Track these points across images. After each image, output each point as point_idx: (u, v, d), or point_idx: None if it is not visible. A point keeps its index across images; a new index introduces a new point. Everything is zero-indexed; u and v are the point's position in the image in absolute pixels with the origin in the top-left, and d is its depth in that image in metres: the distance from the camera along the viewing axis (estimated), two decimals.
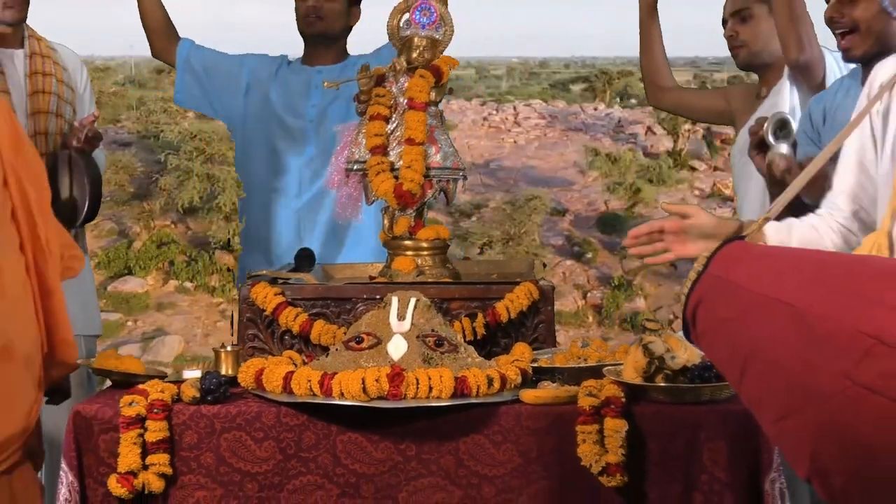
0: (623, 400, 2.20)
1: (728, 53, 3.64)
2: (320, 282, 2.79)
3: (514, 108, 17.71)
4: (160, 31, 3.78)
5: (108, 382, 2.56)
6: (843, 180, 2.38)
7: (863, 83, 2.50)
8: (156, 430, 2.24)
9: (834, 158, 2.34)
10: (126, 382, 2.42)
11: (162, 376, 2.44)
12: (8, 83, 3.17)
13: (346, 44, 3.81)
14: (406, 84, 2.81)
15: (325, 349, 2.54)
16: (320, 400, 2.23)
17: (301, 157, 3.69)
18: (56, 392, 2.48)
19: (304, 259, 2.97)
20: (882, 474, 1.37)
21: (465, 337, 2.54)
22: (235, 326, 2.62)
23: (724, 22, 3.52)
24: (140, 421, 2.24)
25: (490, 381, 2.27)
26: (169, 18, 3.79)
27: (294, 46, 3.90)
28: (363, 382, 2.19)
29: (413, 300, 2.41)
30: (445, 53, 2.88)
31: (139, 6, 3.76)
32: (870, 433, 1.34)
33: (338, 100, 3.66)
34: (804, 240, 2.36)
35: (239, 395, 2.36)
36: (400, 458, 2.27)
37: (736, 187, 3.73)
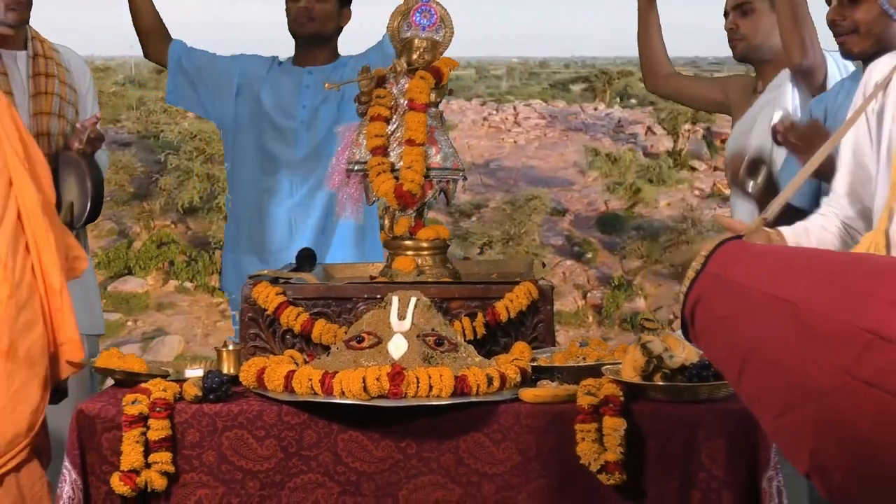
0: (622, 399, 2.22)
1: (728, 53, 3.65)
2: (321, 282, 2.81)
3: (514, 108, 17.70)
4: (153, 33, 3.80)
5: (110, 381, 2.58)
6: (844, 181, 2.39)
7: None
8: (158, 428, 2.26)
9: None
10: (128, 381, 2.43)
11: (164, 375, 2.45)
12: (11, 84, 3.19)
13: (336, 44, 3.83)
14: (406, 85, 2.82)
15: (326, 348, 2.55)
16: (321, 399, 2.24)
17: (292, 157, 3.71)
18: (54, 391, 2.49)
19: (306, 259, 2.99)
20: (882, 469, 1.37)
21: (464, 336, 2.56)
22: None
23: (726, 14, 3.53)
24: (142, 419, 2.26)
25: (490, 380, 2.28)
26: (161, 20, 3.81)
27: (293, 47, 3.92)
28: (364, 381, 2.21)
29: (413, 300, 2.42)
30: (445, 55, 2.90)
31: (131, 9, 3.78)
32: (869, 428, 1.35)
33: (329, 101, 3.68)
34: (819, 241, 2.37)
35: (240, 394, 2.37)
36: (400, 456, 2.28)
37: (729, 183, 3.74)
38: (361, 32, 4.24)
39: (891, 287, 1.40)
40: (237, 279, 3.73)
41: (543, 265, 3.07)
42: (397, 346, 2.33)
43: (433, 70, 2.83)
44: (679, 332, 1.96)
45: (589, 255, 10.04)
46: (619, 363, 2.36)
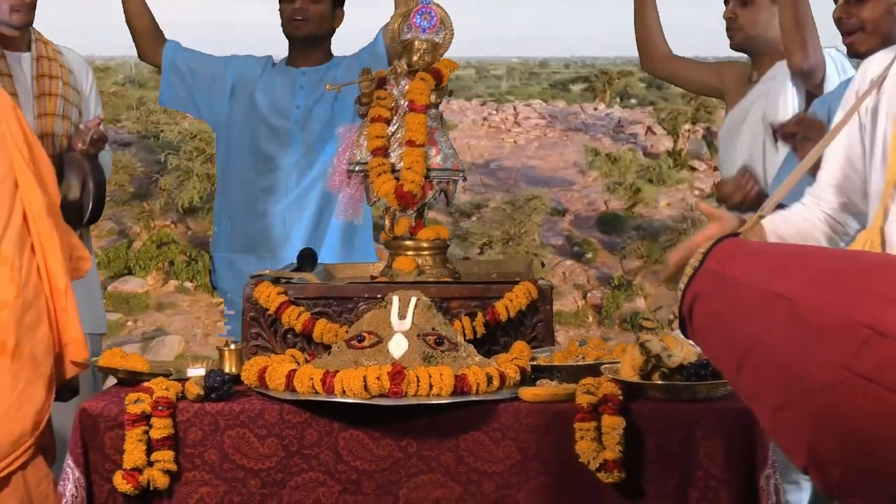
0: (620, 397, 2.23)
1: (728, 53, 3.66)
2: (322, 281, 2.82)
3: (514, 108, 17.70)
4: (147, 34, 3.82)
5: (112, 380, 2.59)
6: (830, 173, 2.39)
7: None
8: (160, 427, 2.27)
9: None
10: (131, 380, 2.44)
11: (167, 374, 2.46)
12: (16, 86, 3.20)
13: (330, 45, 3.85)
14: (407, 87, 2.84)
15: (327, 348, 2.56)
16: (322, 398, 2.25)
17: (286, 157, 3.73)
18: (65, 389, 2.51)
19: (307, 259, 3.00)
20: (880, 464, 1.38)
21: (464, 336, 2.57)
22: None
23: (726, 1, 3.53)
24: (145, 418, 2.27)
25: (489, 379, 2.29)
26: (155, 22, 3.82)
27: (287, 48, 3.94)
28: (364, 380, 2.22)
29: (414, 299, 2.43)
30: (445, 56, 2.91)
31: (125, 11, 3.80)
32: (867, 423, 1.36)
33: (323, 101, 3.70)
34: (799, 231, 2.37)
35: (242, 393, 2.38)
36: (401, 454, 2.29)
37: (721, 168, 3.75)
38: (356, 33, 4.26)
39: (888, 283, 1.41)
40: (231, 278, 3.75)
41: (543, 265, 3.08)
42: (398, 346, 2.35)
43: (433, 72, 2.84)
44: (678, 330, 1.97)
45: (589, 255, 10.03)
46: (618, 362, 2.37)
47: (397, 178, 2.80)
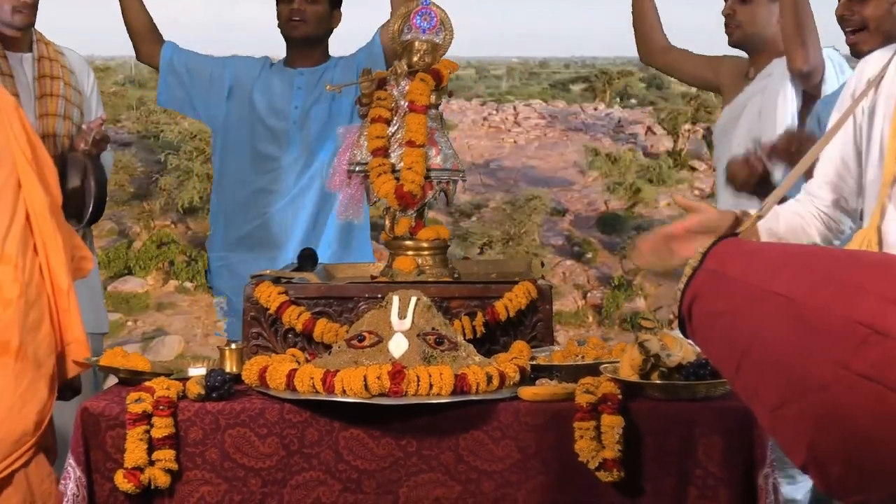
0: (619, 397, 2.24)
1: (728, 52, 3.67)
2: (323, 281, 2.83)
3: (514, 108, 17.70)
4: (144, 35, 3.83)
5: (113, 379, 2.60)
6: (825, 172, 2.40)
7: None
8: (162, 426, 2.28)
9: None
10: (132, 380, 2.45)
11: (168, 373, 2.47)
12: (17, 86, 3.21)
13: (327, 46, 3.86)
14: (407, 87, 2.85)
15: (328, 347, 2.57)
16: (323, 397, 2.26)
17: (284, 157, 3.74)
18: (67, 388, 2.52)
19: (307, 259, 3.01)
20: (879, 462, 1.39)
21: (464, 335, 2.58)
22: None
23: None
24: (146, 417, 2.28)
25: (489, 379, 2.30)
26: (153, 23, 3.84)
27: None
28: (365, 380, 2.23)
29: (414, 299, 2.44)
30: (445, 56, 2.92)
31: (123, 12, 3.81)
32: (867, 422, 1.37)
33: (320, 101, 3.72)
34: (790, 225, 2.38)
35: (243, 393, 2.39)
36: (401, 453, 2.30)
37: (716, 163, 3.76)
38: (353, 33, 4.27)
39: (886, 282, 1.42)
40: (228, 278, 3.77)
41: (542, 265, 3.09)
42: (398, 345, 2.35)
43: (433, 72, 2.85)
44: (677, 330, 1.98)
45: (589, 255, 10.03)
46: (617, 362, 2.38)
47: (397, 179, 2.81)
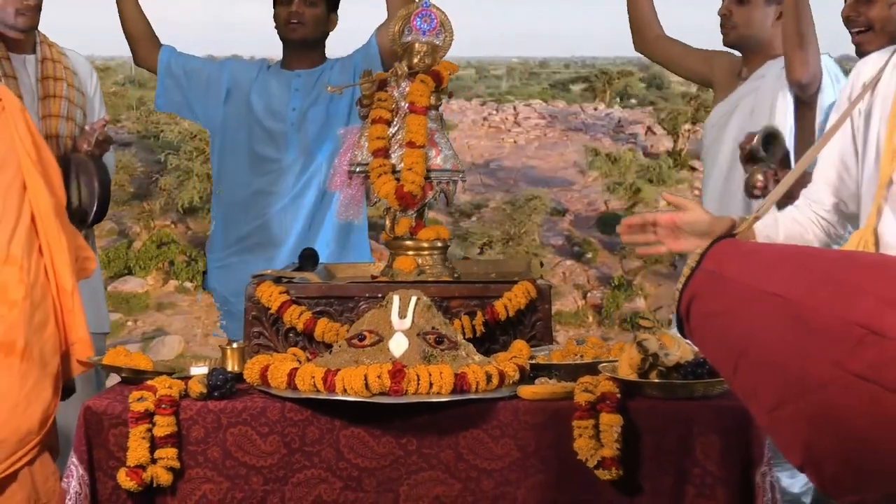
0: (618, 396, 2.25)
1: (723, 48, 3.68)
2: (324, 281, 2.84)
3: (514, 108, 17.70)
4: (142, 39, 3.85)
5: (115, 378, 2.61)
6: (824, 174, 2.41)
7: None
8: (164, 424, 2.29)
9: None
10: (135, 378, 2.47)
11: (170, 372, 2.48)
12: (20, 88, 3.22)
13: (324, 48, 3.88)
14: (407, 89, 2.86)
15: (329, 346, 2.59)
16: (324, 396, 2.28)
17: (282, 158, 3.75)
18: (63, 388, 2.53)
19: (308, 259, 3.03)
20: (876, 462, 1.40)
21: (464, 334, 2.59)
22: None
23: None
24: (149, 416, 2.29)
25: (489, 378, 2.31)
26: (150, 27, 3.85)
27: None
28: (365, 379, 2.24)
29: (414, 299, 2.45)
30: (445, 58, 2.94)
31: (121, 16, 3.83)
32: (863, 422, 1.38)
33: (318, 103, 3.74)
34: (788, 232, 2.40)
35: (245, 391, 2.41)
36: (401, 452, 2.32)
37: (704, 161, 3.77)
38: (348, 32, 4.28)
39: (882, 283, 1.43)
40: (227, 279, 3.78)
41: (541, 264, 3.11)
42: (398, 345, 2.37)
43: (433, 74, 2.87)
44: (675, 328, 1.99)
45: (589, 255, 10.04)
46: (616, 361, 2.39)
47: (398, 179, 2.82)
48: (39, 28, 3.41)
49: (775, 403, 1.50)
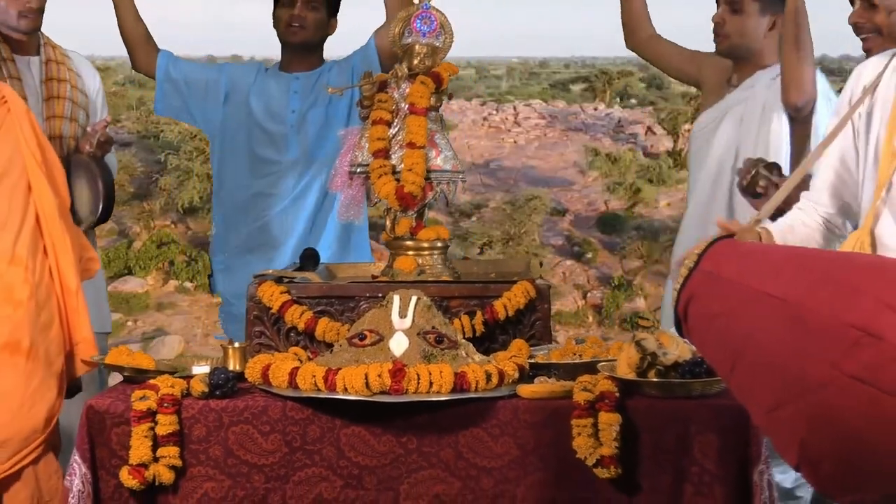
0: (617, 395, 2.26)
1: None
2: (324, 281, 2.86)
3: (514, 108, 17.70)
4: (141, 45, 3.86)
5: (118, 377, 2.62)
6: (825, 177, 2.43)
7: None
8: (166, 423, 2.30)
9: None
10: (137, 378, 2.48)
11: (172, 372, 2.50)
12: (25, 89, 3.24)
13: (322, 51, 3.90)
14: (407, 90, 2.88)
15: (330, 346, 2.60)
16: (324, 395, 2.29)
17: (283, 160, 3.77)
18: (69, 386, 2.55)
19: (309, 259, 3.04)
20: (871, 463, 1.42)
21: (464, 334, 2.61)
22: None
23: (718, 3, 3.55)
24: (151, 415, 2.30)
25: (488, 377, 2.33)
26: (149, 33, 3.87)
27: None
28: (366, 378, 2.25)
29: (414, 298, 2.47)
30: (445, 59, 2.95)
31: (119, 23, 3.85)
32: (859, 422, 1.40)
33: (317, 104, 3.75)
34: (801, 239, 2.41)
35: (246, 390, 2.42)
36: (401, 450, 2.33)
37: (690, 166, 3.78)
38: (346, 34, 4.30)
39: (879, 285, 1.45)
40: (228, 280, 3.79)
41: (541, 264, 3.12)
42: (398, 344, 2.38)
43: (433, 75, 2.88)
44: (674, 329, 2.00)
45: (589, 255, 10.04)
46: (615, 360, 2.40)
47: (398, 180, 2.84)
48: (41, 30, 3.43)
49: (773, 404, 1.52)
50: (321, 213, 3.77)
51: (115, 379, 2.76)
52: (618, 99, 19.89)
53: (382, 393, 2.26)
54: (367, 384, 2.25)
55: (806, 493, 3.37)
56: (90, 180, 3.22)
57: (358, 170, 2.90)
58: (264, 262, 3.54)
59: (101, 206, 3.22)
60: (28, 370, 2.34)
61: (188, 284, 9.40)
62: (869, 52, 2.99)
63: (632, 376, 2.32)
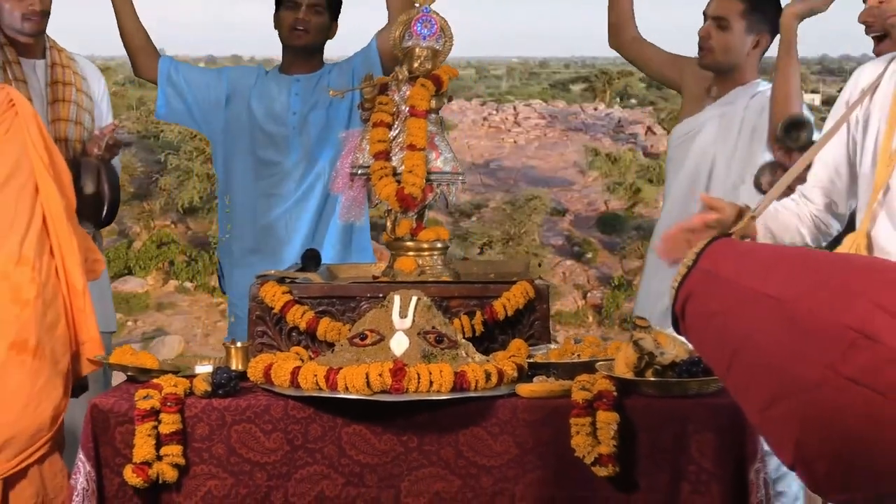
0: (615, 394, 2.27)
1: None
2: (326, 281, 2.87)
3: (514, 108, 17.71)
4: (142, 50, 3.87)
5: (122, 377, 2.64)
6: (817, 176, 2.45)
7: None
8: (169, 422, 2.32)
9: None
10: (141, 377, 2.50)
11: (175, 371, 2.52)
12: (30, 92, 3.26)
13: (323, 54, 3.92)
14: (408, 93, 2.89)
15: (331, 345, 2.61)
16: (326, 394, 2.30)
17: (285, 162, 3.78)
18: (76, 386, 2.57)
19: (311, 259, 3.06)
20: (866, 463, 1.43)
21: (463, 334, 2.62)
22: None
23: (705, 17, 3.56)
24: (154, 414, 2.32)
25: (488, 376, 2.34)
26: (149, 39, 3.88)
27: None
28: (367, 377, 2.27)
29: (414, 299, 2.48)
30: (445, 62, 2.97)
31: (120, 29, 3.86)
32: (854, 423, 1.41)
33: (318, 106, 3.77)
34: (785, 225, 2.43)
35: (248, 389, 2.43)
36: (402, 449, 2.35)
37: (667, 172, 3.79)
38: (345, 35, 4.31)
39: (876, 287, 1.46)
40: (232, 282, 3.81)
41: (540, 265, 3.14)
42: (399, 344, 2.39)
43: (433, 78, 2.90)
44: (671, 328, 2.02)
45: (589, 255, 10.06)
46: (613, 360, 2.42)
47: (399, 181, 2.85)
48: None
49: (768, 402, 1.53)
50: (324, 214, 3.78)
51: (118, 378, 2.78)
52: (618, 99, 19.90)
53: (383, 392, 2.28)
54: (367, 383, 2.27)
55: (786, 486, 3.38)
56: (97, 182, 3.24)
57: (359, 171, 2.91)
58: (269, 264, 3.55)
59: (106, 208, 3.24)
60: (34, 369, 2.36)
61: (188, 284, 9.41)
62: (880, 54, 3.01)
63: (629, 376, 2.33)
